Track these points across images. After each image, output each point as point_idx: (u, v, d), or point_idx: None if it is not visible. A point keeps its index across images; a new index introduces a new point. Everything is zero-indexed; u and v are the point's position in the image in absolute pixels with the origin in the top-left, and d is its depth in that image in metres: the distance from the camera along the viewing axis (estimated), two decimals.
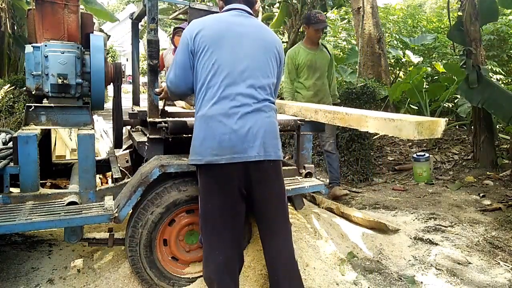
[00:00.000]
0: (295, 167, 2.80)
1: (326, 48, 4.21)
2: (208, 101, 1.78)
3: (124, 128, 2.83)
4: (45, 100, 2.39)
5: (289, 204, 2.93)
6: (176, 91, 1.94)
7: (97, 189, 2.25)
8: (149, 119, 2.31)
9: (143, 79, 9.21)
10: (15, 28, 7.50)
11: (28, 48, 2.22)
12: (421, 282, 2.49)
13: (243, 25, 1.88)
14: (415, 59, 8.65)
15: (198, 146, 1.78)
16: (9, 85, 5.68)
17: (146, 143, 2.38)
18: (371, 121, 2.07)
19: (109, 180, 3.51)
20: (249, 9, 1.95)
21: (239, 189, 1.79)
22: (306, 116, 2.67)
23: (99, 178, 3.59)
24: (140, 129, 2.83)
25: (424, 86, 6.79)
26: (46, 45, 2.22)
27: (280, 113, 3.03)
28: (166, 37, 17.85)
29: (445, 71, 7.06)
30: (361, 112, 2.29)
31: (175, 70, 1.88)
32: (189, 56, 1.83)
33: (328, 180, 4.31)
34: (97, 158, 2.67)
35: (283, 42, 4.94)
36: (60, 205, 2.10)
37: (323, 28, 4.12)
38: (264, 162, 1.78)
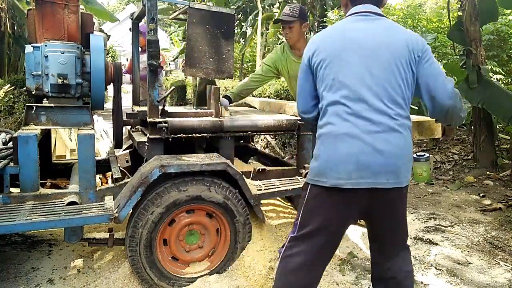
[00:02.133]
0: (295, 167, 2.81)
1: None
2: (331, 119, 1.60)
3: (124, 128, 2.83)
4: (45, 100, 2.39)
5: (289, 204, 2.95)
6: (306, 116, 1.84)
7: (97, 189, 2.25)
8: (149, 119, 2.31)
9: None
10: (15, 28, 7.49)
11: (28, 48, 2.22)
12: (421, 282, 2.48)
13: (365, 31, 1.65)
14: None
15: (323, 166, 1.60)
16: (9, 85, 5.68)
17: (146, 143, 2.38)
18: None
19: (109, 180, 3.51)
20: (375, 9, 1.70)
21: (355, 215, 1.67)
22: None
23: (99, 178, 3.59)
24: (140, 129, 2.83)
25: None
26: (46, 45, 2.22)
27: (280, 113, 3.04)
28: (166, 37, 17.84)
29: (445, 71, 7.06)
30: None
31: (299, 97, 1.81)
32: (311, 79, 1.73)
33: None
34: (97, 158, 2.67)
35: (281, 42, 4.71)
36: (60, 205, 2.10)
37: (286, 23, 3.10)
38: (394, 189, 1.57)
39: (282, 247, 1.74)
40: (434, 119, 1.98)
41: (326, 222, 1.62)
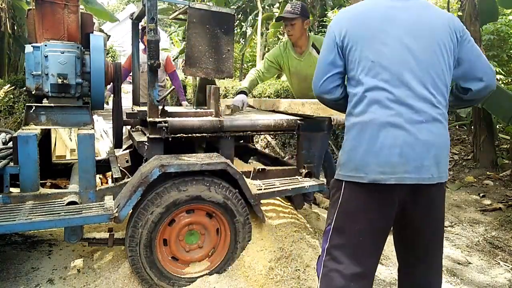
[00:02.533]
0: (295, 167, 2.81)
1: (317, 50, 3.19)
2: (371, 106, 1.44)
3: (124, 128, 2.83)
4: (45, 100, 2.39)
5: (289, 204, 2.95)
6: (327, 97, 1.64)
7: (97, 189, 2.25)
8: (149, 119, 2.31)
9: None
10: (15, 28, 7.50)
11: (28, 48, 2.22)
12: None
13: (403, 9, 1.49)
14: None
15: (359, 160, 1.44)
16: (9, 85, 5.68)
17: (146, 143, 2.38)
18: None
19: (109, 180, 3.51)
20: None
21: (395, 212, 1.49)
22: (295, 109, 2.72)
23: (99, 178, 3.59)
24: (140, 129, 2.83)
25: None
26: (46, 45, 2.22)
27: (273, 109, 3.04)
28: (166, 37, 17.84)
29: None
30: None
31: (320, 76, 1.60)
32: (339, 59, 1.55)
33: None
34: (97, 158, 2.67)
35: (281, 41, 4.68)
36: (60, 205, 2.10)
37: (288, 20, 3.13)
38: (436, 185, 1.45)
39: (318, 262, 1.57)
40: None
41: (367, 224, 1.46)
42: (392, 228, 1.60)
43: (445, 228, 3.28)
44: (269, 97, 6.32)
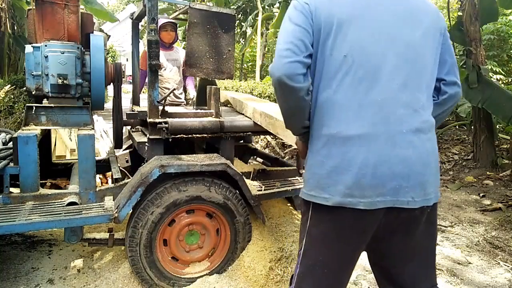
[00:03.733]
0: (295, 168, 2.81)
1: None
2: (338, 113, 1.18)
3: (124, 128, 2.83)
4: (45, 100, 2.39)
5: (289, 204, 2.95)
6: (296, 85, 1.17)
7: (97, 189, 2.25)
8: (149, 120, 2.31)
9: None
10: (15, 28, 7.50)
11: (28, 48, 2.22)
12: None
13: None
14: None
15: (325, 177, 1.19)
16: (9, 85, 5.68)
17: (146, 143, 2.38)
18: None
19: (109, 180, 3.51)
20: None
21: (368, 239, 1.25)
22: (256, 118, 2.52)
23: (99, 178, 3.59)
24: (140, 129, 2.83)
25: None
26: (46, 45, 2.22)
27: (243, 113, 2.82)
28: None
29: None
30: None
31: (287, 54, 1.17)
32: (311, 39, 1.20)
33: None
34: (97, 158, 2.67)
35: None
36: (60, 205, 2.10)
37: None
38: (419, 209, 1.20)
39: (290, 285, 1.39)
40: None
41: (334, 255, 1.24)
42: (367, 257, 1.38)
43: (445, 228, 3.28)
44: (269, 97, 6.30)
